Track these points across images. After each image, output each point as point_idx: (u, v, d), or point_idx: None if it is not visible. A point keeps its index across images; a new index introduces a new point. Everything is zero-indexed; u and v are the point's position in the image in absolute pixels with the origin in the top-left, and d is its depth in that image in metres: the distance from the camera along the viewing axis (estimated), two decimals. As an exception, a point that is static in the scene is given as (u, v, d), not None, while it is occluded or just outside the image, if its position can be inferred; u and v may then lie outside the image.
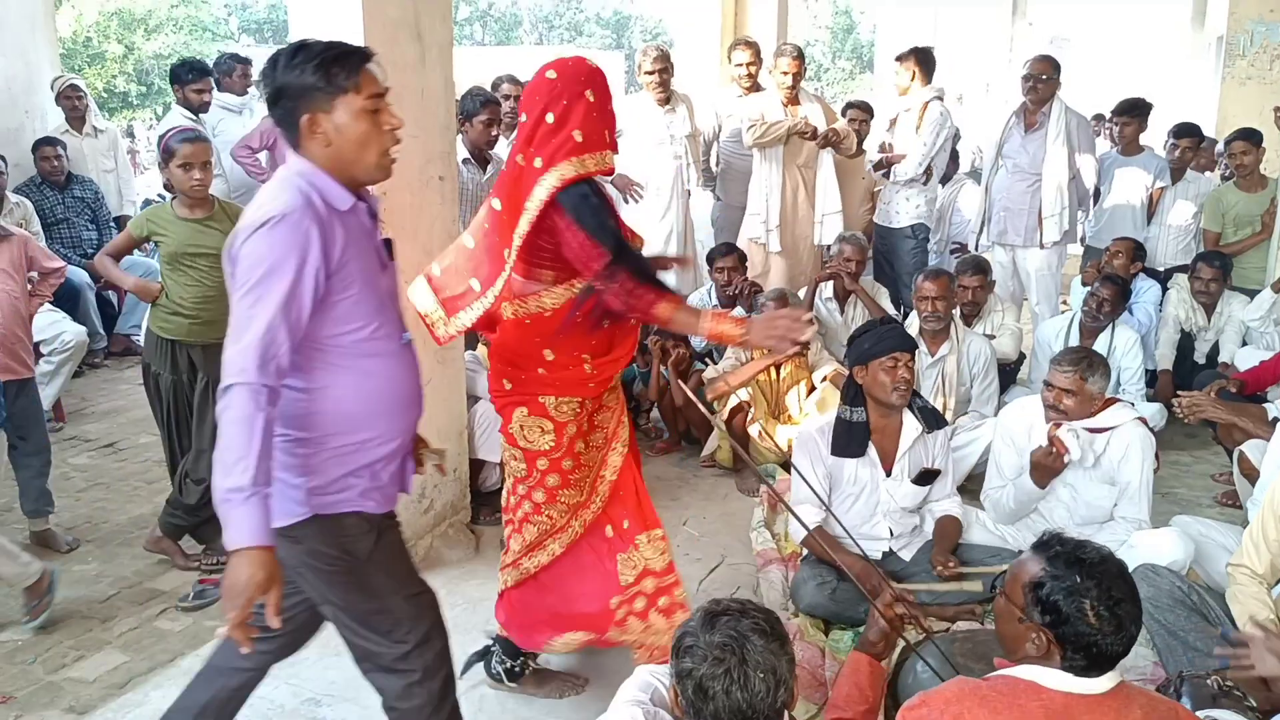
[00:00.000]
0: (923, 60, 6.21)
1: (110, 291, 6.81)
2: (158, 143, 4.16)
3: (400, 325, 2.30)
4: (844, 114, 6.80)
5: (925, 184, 6.40)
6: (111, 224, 7.00)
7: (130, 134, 18.16)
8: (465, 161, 5.05)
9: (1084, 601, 1.87)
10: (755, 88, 6.29)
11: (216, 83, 7.02)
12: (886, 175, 6.37)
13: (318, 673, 3.28)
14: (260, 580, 1.96)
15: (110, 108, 22.92)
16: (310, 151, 2.14)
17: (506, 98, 5.82)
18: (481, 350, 4.40)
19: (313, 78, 2.09)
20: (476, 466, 4.43)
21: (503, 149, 5.72)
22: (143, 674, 3.32)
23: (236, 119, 7.00)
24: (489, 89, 5.69)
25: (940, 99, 6.25)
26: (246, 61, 7.43)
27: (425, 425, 3.98)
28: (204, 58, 9.52)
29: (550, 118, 2.65)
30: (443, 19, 3.88)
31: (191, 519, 3.99)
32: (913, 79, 6.20)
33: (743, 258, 5.75)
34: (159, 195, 7.24)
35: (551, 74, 2.70)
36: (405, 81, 3.71)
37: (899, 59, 6.27)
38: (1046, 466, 3.60)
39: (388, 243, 2.34)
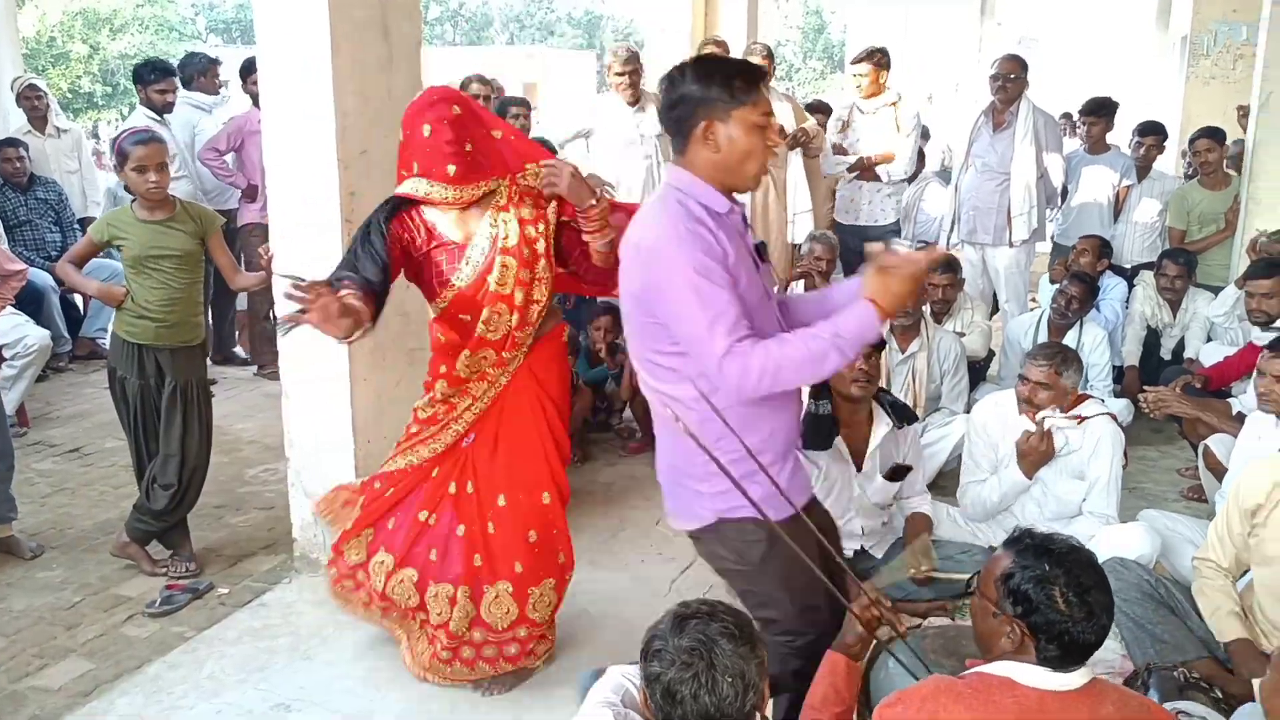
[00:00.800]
0: (889, 61, 6.26)
1: (75, 294, 6.72)
2: (110, 145, 4.08)
3: (779, 324, 2.38)
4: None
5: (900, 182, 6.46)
6: (75, 226, 6.90)
7: (95, 135, 17.96)
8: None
9: (1053, 589, 1.89)
10: (724, 86, 6.28)
11: (187, 82, 6.95)
12: (860, 176, 6.36)
13: (287, 677, 3.26)
14: (886, 278, 2.16)
15: (75, 108, 22.66)
16: (696, 156, 2.29)
17: (475, 97, 5.79)
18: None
19: (717, 89, 2.23)
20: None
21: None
22: (109, 681, 3.27)
23: (209, 118, 6.93)
24: (458, 88, 5.66)
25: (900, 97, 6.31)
26: (218, 62, 7.37)
27: (395, 423, 3.97)
28: (170, 58, 9.42)
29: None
30: (410, 18, 3.85)
31: (160, 524, 3.94)
32: (881, 80, 6.22)
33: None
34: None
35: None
36: (373, 82, 3.68)
37: (866, 61, 6.26)
38: (1035, 454, 3.62)
39: (760, 246, 2.44)
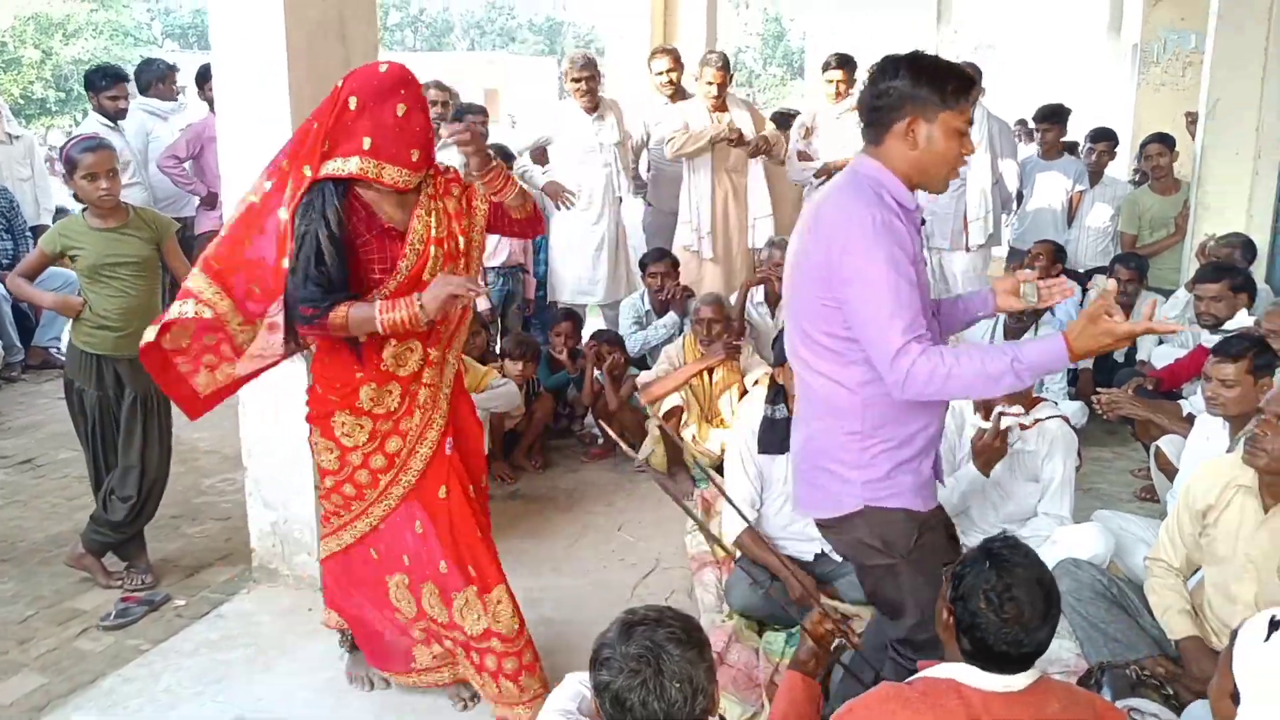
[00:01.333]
0: (856, 68, 6.31)
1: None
2: (59, 154, 4.01)
3: (932, 319, 2.40)
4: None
5: None
6: (28, 234, 6.79)
7: (47, 141, 17.68)
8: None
9: (980, 585, 1.95)
10: (679, 94, 6.29)
11: (144, 89, 6.87)
12: (826, 182, 6.35)
13: (245, 689, 3.23)
14: (1094, 326, 2.12)
15: (27, 114, 22.30)
16: (892, 150, 2.30)
17: (433, 103, 5.77)
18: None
19: (929, 89, 2.24)
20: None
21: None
22: (62, 696, 3.22)
23: (164, 125, 6.86)
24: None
25: None
26: (175, 68, 7.29)
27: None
28: (125, 63, 9.31)
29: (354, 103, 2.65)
30: (367, 22, 3.83)
31: (117, 536, 3.88)
32: (850, 86, 6.27)
33: (675, 263, 5.77)
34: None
35: (383, 68, 2.70)
36: (329, 86, 3.64)
37: (840, 68, 6.27)
38: (990, 451, 3.67)
39: None
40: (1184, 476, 3.59)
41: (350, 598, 3.11)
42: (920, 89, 2.24)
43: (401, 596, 2.99)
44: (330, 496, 3.00)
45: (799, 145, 6.41)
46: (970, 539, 3.84)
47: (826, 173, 6.28)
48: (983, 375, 2.15)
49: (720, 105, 6.03)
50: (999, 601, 1.92)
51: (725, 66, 6.02)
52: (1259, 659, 1.73)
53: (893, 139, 2.29)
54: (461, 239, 2.88)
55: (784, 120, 7.12)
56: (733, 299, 5.56)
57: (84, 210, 3.78)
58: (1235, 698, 1.78)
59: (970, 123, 2.34)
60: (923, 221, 2.41)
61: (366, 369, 2.82)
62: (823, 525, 2.49)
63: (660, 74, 6.25)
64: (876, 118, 2.31)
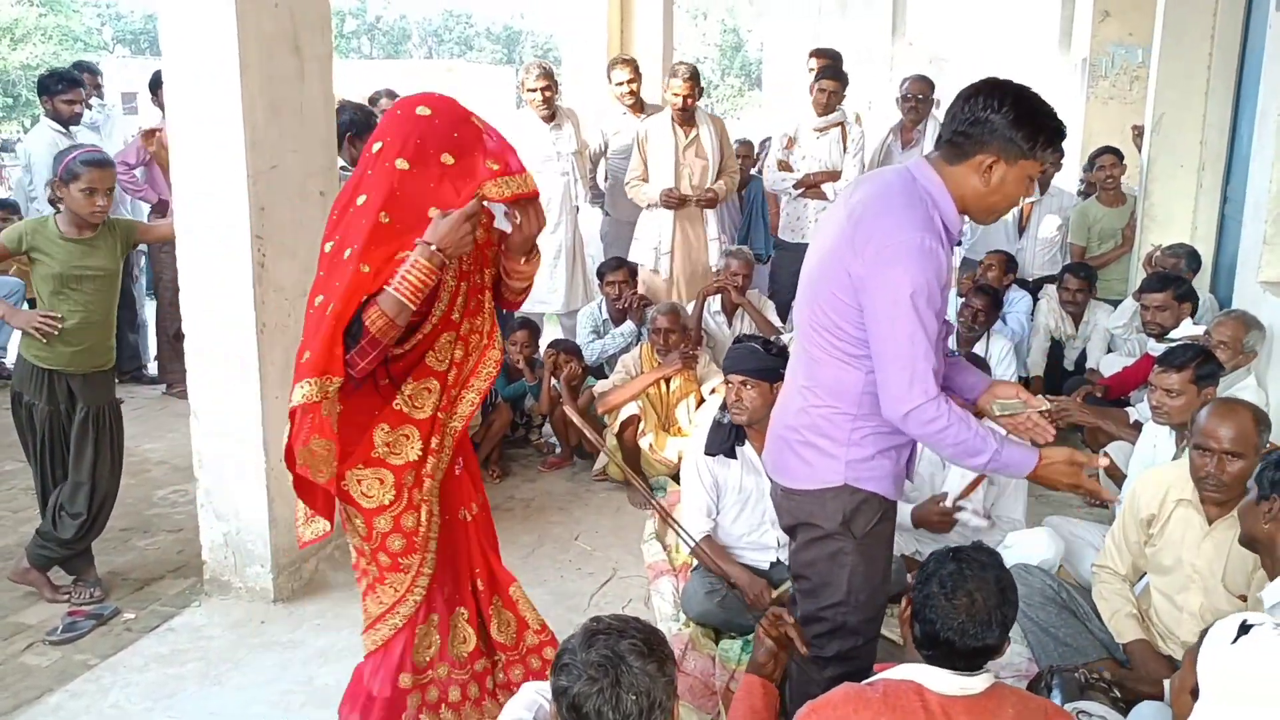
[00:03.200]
0: (849, 81, 6.32)
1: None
2: (55, 161, 3.88)
3: (941, 344, 2.41)
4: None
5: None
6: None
7: (-5, 147, 17.36)
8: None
9: (939, 572, 2.04)
10: (638, 104, 6.30)
11: None
12: (806, 194, 6.39)
13: (197, 704, 3.19)
14: (1068, 468, 2.31)
15: (-27, 120, 21.88)
16: (960, 178, 2.27)
17: (385, 112, 5.75)
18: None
19: (1024, 135, 2.21)
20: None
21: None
22: (7, 713, 3.15)
23: (93, 134, 6.73)
24: (368, 103, 5.62)
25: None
26: (94, 71, 7.15)
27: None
28: (74, 69, 9.14)
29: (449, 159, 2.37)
30: (322, 32, 3.82)
31: (65, 552, 3.80)
32: (839, 100, 6.28)
33: (633, 272, 5.78)
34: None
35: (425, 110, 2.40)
36: (284, 95, 3.64)
37: (833, 79, 6.26)
38: (930, 524, 3.75)
39: None
40: (1131, 482, 3.66)
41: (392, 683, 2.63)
42: (1017, 132, 2.20)
43: (459, 637, 2.73)
44: (358, 564, 2.63)
45: (780, 155, 6.40)
46: (925, 546, 3.88)
47: (806, 184, 6.30)
48: (968, 449, 2.24)
49: (686, 119, 5.97)
50: (951, 586, 2.00)
51: (694, 79, 5.85)
52: (1223, 660, 1.75)
53: (967, 168, 2.26)
54: (487, 273, 2.62)
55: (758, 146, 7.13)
56: (690, 308, 5.58)
57: (55, 215, 3.71)
58: (1196, 693, 1.81)
59: (1043, 171, 2.36)
60: (958, 243, 2.43)
61: (383, 410, 2.49)
62: (787, 493, 2.50)
63: (620, 84, 6.24)
64: (961, 142, 2.26)
